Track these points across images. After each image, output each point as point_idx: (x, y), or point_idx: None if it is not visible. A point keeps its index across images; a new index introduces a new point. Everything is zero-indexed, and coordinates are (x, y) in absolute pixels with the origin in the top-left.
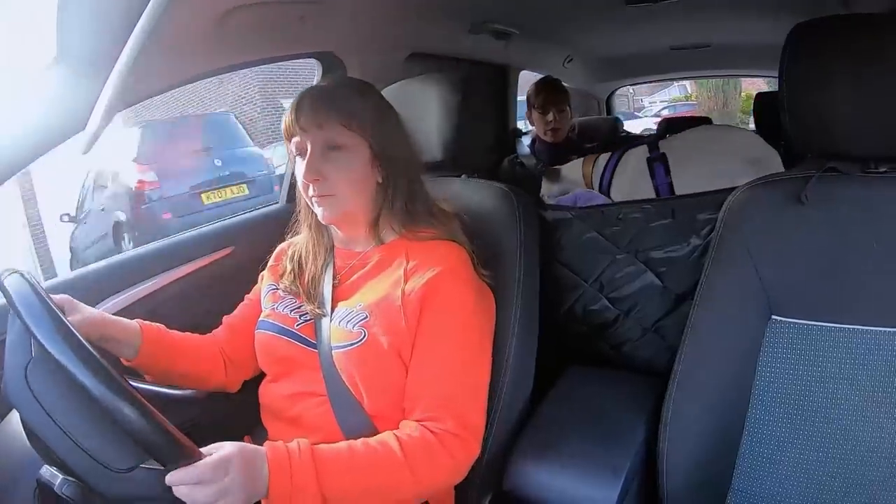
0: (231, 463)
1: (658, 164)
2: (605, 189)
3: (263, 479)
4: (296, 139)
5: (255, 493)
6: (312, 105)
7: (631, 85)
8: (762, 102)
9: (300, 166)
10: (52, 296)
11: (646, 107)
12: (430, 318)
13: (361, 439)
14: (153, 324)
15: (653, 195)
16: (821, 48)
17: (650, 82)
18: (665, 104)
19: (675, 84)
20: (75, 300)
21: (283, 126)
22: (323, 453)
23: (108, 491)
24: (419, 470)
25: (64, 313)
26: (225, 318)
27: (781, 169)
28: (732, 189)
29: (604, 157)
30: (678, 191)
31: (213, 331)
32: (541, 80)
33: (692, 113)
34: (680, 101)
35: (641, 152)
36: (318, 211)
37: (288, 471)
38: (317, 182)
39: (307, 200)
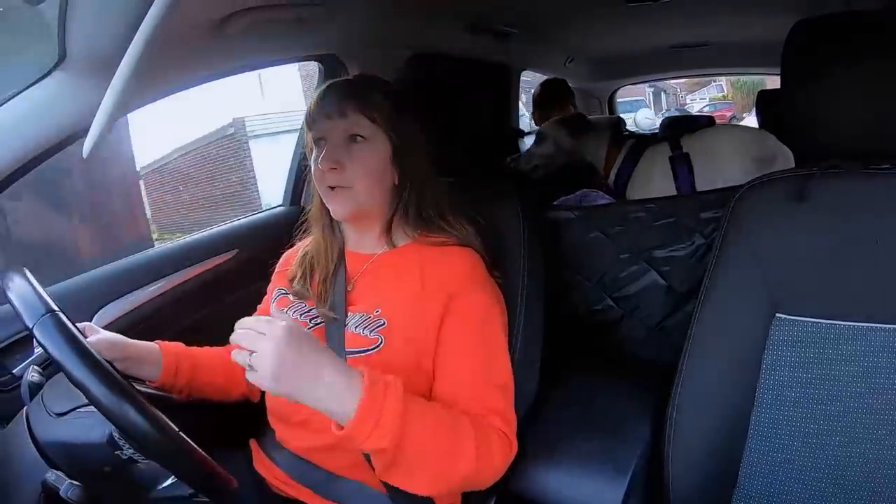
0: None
1: (681, 163)
2: (622, 182)
3: (344, 382)
4: (318, 126)
5: (310, 379)
6: (339, 94)
7: (634, 84)
8: (765, 100)
9: (318, 156)
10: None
11: (688, 103)
12: (452, 325)
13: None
14: (172, 342)
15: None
16: (822, 45)
17: (651, 81)
18: (706, 102)
19: (713, 83)
20: (94, 325)
21: (305, 115)
22: (413, 397)
23: (45, 435)
24: (481, 449)
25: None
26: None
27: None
28: (735, 187)
29: (625, 148)
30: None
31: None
32: (545, 80)
33: (730, 110)
34: (718, 100)
35: (664, 150)
36: (332, 205)
37: (383, 391)
38: (334, 171)
39: (321, 193)
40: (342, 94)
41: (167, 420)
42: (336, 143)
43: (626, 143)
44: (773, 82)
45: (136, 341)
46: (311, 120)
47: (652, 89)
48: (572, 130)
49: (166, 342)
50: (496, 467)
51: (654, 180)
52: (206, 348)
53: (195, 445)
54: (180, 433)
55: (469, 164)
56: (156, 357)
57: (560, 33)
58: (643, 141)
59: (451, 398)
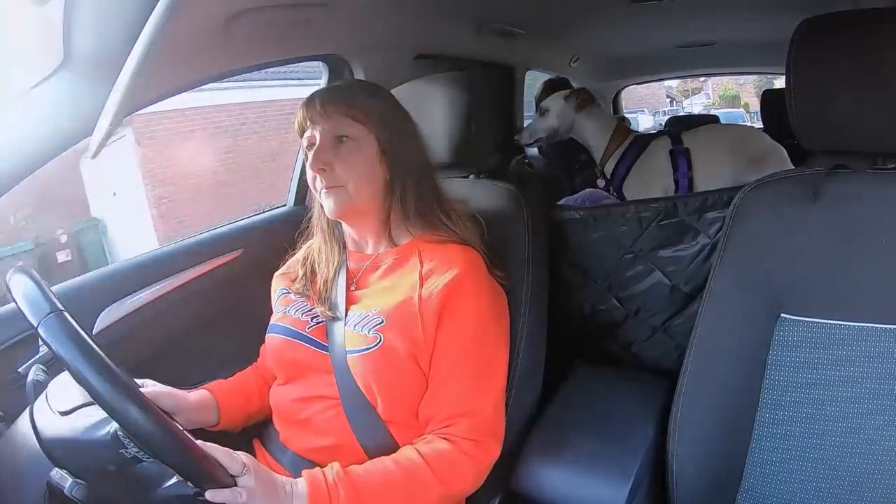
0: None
1: (681, 157)
2: (621, 173)
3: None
4: (307, 133)
5: None
6: (321, 98)
7: (638, 84)
8: (769, 100)
9: (309, 159)
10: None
11: (685, 107)
12: (448, 325)
13: (389, 457)
14: (215, 381)
15: (672, 188)
16: (827, 44)
17: (656, 80)
18: (700, 106)
19: (702, 92)
20: (153, 382)
21: (295, 124)
22: (360, 478)
23: (49, 433)
24: (447, 479)
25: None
26: (262, 349)
27: (788, 164)
28: (740, 187)
29: (629, 139)
30: (698, 185)
31: (255, 363)
32: (547, 80)
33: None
34: (708, 105)
35: (665, 143)
36: (326, 204)
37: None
38: (323, 172)
39: (316, 195)
40: (325, 99)
41: (170, 418)
42: (323, 145)
43: (630, 135)
44: (748, 94)
45: (189, 392)
46: (300, 127)
47: (669, 100)
48: (578, 105)
49: (211, 384)
50: (467, 479)
51: (654, 171)
52: (240, 375)
53: (198, 444)
54: (184, 431)
55: (474, 163)
56: (210, 402)
57: (565, 33)
58: (647, 135)
59: (431, 405)
